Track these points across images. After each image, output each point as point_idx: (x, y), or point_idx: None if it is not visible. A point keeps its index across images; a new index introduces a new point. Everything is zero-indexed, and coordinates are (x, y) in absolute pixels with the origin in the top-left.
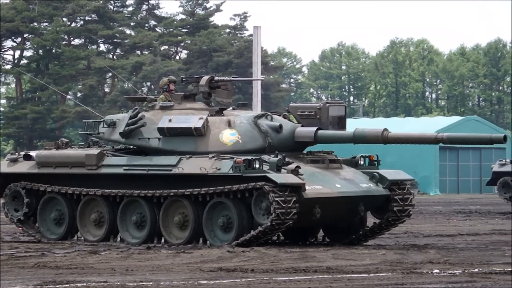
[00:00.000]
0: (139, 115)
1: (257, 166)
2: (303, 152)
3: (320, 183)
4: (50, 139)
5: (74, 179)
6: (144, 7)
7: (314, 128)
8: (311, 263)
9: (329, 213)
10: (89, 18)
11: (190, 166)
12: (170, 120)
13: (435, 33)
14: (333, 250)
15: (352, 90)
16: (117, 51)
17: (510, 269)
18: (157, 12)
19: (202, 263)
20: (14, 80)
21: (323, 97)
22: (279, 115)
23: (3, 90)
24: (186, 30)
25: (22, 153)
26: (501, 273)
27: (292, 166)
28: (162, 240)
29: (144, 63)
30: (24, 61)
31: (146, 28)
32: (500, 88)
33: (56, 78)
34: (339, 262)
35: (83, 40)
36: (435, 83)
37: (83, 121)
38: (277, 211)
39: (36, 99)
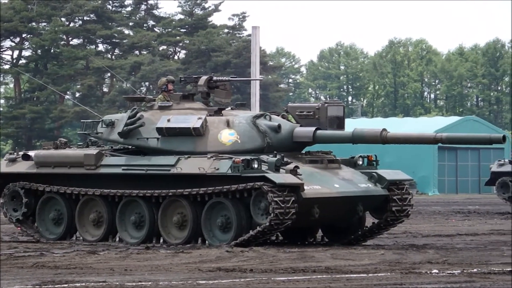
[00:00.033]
0: (138, 115)
1: (256, 166)
2: (302, 152)
3: (318, 183)
4: (48, 139)
5: (72, 179)
6: (143, 7)
7: (313, 128)
8: (309, 263)
9: (328, 213)
10: (88, 18)
11: (189, 166)
12: (168, 120)
13: (433, 33)
14: (331, 250)
15: (350, 90)
16: (115, 51)
17: (509, 269)
18: (155, 12)
19: (200, 263)
20: (13, 80)
21: (322, 97)
22: (278, 115)
23: (1, 90)
24: (185, 30)
25: (21, 153)
26: (500, 273)
27: (291, 166)
28: (161, 240)
29: (142, 63)
30: (22, 61)
31: (144, 28)
32: (499, 88)
33: (55, 78)
34: (338, 262)
35: (81, 40)
36: (433, 83)
37: (82, 121)
38: (276, 211)
39: (35, 99)
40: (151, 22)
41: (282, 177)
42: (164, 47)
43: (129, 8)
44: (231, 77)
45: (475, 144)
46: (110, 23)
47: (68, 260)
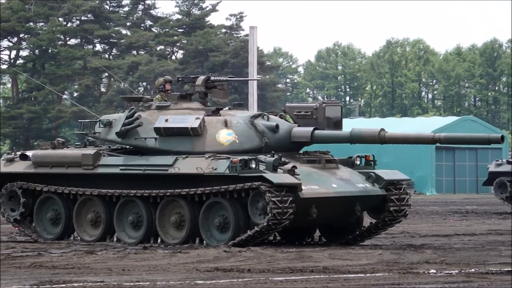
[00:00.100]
0: (136, 115)
1: (254, 166)
2: (300, 152)
3: (316, 183)
4: (46, 139)
5: (70, 179)
6: (140, 7)
7: (311, 128)
8: (307, 263)
9: (326, 213)
10: (85, 18)
11: (187, 166)
12: (166, 120)
13: (431, 33)
14: (329, 250)
15: (348, 90)
16: (113, 51)
17: (506, 269)
18: (153, 12)
19: (198, 263)
20: (10, 80)
21: (319, 97)
22: (276, 115)
23: None
24: (182, 30)
25: (19, 153)
26: (497, 273)
27: (289, 166)
28: (159, 240)
29: (140, 63)
30: (20, 61)
31: (142, 28)
32: (496, 88)
33: (52, 78)
34: (336, 262)
35: (79, 40)
36: (431, 83)
37: (79, 121)
38: (274, 211)
39: (32, 99)
40: (148, 22)
41: (280, 177)
42: (162, 47)
43: (126, 8)
44: (228, 77)
45: (474, 144)
46: (107, 23)
47: (66, 260)
